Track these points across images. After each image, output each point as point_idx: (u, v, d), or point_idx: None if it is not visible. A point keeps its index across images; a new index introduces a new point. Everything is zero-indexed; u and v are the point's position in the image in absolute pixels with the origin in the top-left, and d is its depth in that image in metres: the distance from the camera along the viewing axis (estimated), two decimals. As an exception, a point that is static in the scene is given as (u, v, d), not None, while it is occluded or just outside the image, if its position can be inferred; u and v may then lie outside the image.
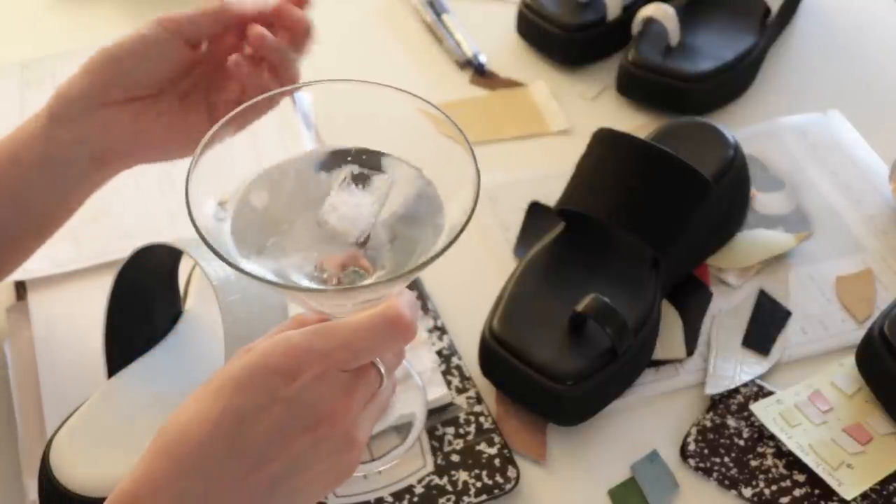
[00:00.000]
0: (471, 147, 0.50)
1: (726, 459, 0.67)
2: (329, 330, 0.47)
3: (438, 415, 0.69)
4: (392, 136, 0.54)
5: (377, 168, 0.53)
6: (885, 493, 0.65)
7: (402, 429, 0.61)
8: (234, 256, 0.49)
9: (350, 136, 0.55)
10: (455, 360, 0.72)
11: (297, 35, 0.66)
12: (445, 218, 0.51)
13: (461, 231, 0.48)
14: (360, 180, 0.53)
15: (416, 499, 0.65)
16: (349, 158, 0.54)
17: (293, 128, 0.56)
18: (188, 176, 0.49)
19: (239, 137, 0.53)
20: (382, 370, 0.50)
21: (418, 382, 0.61)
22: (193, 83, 0.67)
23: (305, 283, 0.50)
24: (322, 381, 0.46)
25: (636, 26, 0.94)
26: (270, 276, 0.49)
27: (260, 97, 0.53)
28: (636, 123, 0.91)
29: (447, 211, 0.51)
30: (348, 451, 0.47)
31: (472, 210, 0.48)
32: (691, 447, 0.68)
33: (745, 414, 0.69)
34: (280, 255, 0.51)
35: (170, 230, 0.79)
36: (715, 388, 0.71)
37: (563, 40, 0.97)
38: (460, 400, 0.70)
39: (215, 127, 0.51)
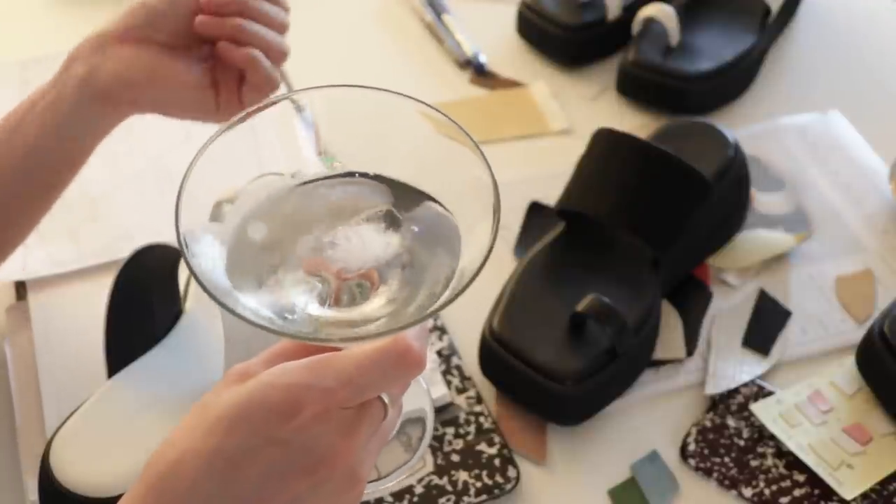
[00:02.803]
0: (494, 177, 0.46)
1: (726, 459, 0.67)
2: (332, 365, 0.44)
3: (438, 415, 0.69)
4: (411, 154, 0.50)
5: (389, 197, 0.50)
6: (885, 493, 0.65)
7: (408, 438, 0.60)
8: (230, 287, 0.46)
9: (361, 151, 0.51)
10: (455, 360, 0.72)
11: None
12: (463, 243, 0.48)
13: (479, 270, 0.44)
14: (387, 221, 0.49)
15: (416, 499, 0.65)
16: (356, 176, 0.51)
17: (298, 140, 0.54)
18: (181, 185, 0.46)
19: (240, 147, 0.50)
20: (387, 401, 0.46)
21: (425, 388, 0.59)
22: (206, 51, 0.68)
23: (310, 302, 0.47)
24: (323, 420, 0.43)
25: (636, 26, 0.94)
26: (265, 311, 0.46)
27: (265, 102, 0.51)
28: (636, 123, 0.91)
29: (465, 236, 0.48)
30: (350, 490, 0.45)
31: (491, 247, 0.45)
32: (691, 447, 0.68)
33: (745, 414, 0.69)
34: (282, 275, 0.48)
35: (170, 230, 0.78)
36: (715, 388, 0.71)
37: (563, 40, 0.97)
38: (460, 400, 0.70)
39: (211, 138, 0.48)
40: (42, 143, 0.65)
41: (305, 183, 0.52)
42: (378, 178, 0.51)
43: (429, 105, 0.49)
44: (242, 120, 0.49)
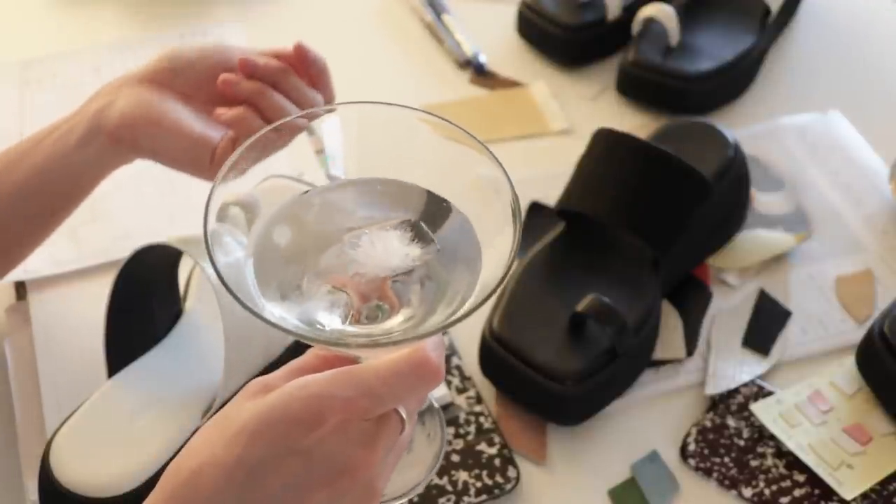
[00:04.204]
0: (514, 191, 0.46)
1: (726, 459, 0.67)
2: (353, 376, 0.44)
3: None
4: (431, 167, 0.50)
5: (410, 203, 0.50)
6: (885, 493, 0.65)
7: (415, 449, 0.60)
8: (256, 297, 0.46)
9: (383, 165, 0.51)
10: (455, 360, 0.72)
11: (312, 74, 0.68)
12: (482, 260, 0.48)
13: (500, 284, 0.44)
14: (413, 231, 0.49)
15: (416, 499, 0.65)
16: (378, 187, 0.51)
17: (315, 154, 0.53)
18: (211, 192, 0.46)
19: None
20: (404, 415, 0.46)
21: (436, 407, 0.59)
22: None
23: (331, 318, 0.47)
24: (343, 432, 0.43)
25: (636, 26, 0.94)
26: (293, 319, 0.46)
27: (277, 123, 0.50)
28: (636, 123, 0.91)
29: (485, 251, 0.48)
30: (367, 502, 0.45)
31: (512, 259, 0.44)
32: (691, 447, 0.68)
33: (745, 414, 0.69)
34: (305, 288, 0.48)
35: (170, 230, 0.79)
36: (715, 388, 0.71)
37: (563, 40, 0.97)
38: (460, 400, 0.70)
39: (231, 159, 0.47)
40: (48, 169, 0.65)
41: (330, 188, 0.51)
42: (401, 183, 0.51)
43: (450, 121, 0.49)
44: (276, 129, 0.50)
